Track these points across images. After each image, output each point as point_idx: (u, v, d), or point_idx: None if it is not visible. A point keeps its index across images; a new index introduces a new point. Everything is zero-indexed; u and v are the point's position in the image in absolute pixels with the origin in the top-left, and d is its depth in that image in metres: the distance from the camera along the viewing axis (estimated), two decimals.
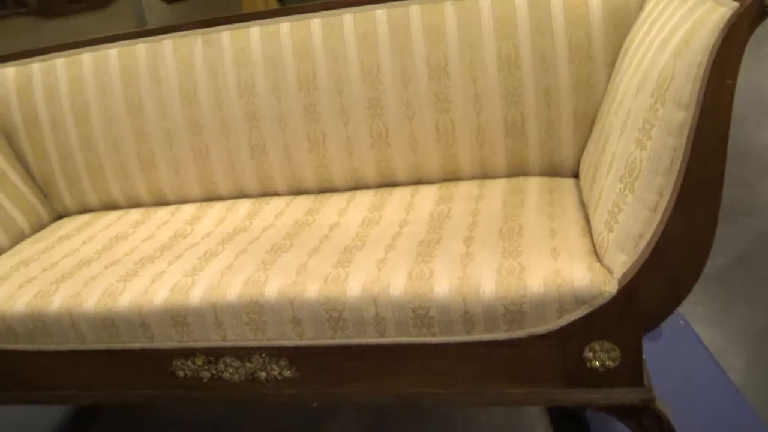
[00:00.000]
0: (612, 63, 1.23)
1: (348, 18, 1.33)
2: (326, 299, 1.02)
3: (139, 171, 1.50)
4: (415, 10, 1.30)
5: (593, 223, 1.04)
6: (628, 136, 0.96)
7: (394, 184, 1.41)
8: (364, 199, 1.36)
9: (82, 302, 1.13)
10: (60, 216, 1.60)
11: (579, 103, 1.26)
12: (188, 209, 1.47)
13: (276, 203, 1.41)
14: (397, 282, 1.00)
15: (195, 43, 1.41)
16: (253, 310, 1.05)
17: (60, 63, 1.49)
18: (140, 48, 1.44)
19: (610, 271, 0.95)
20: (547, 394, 1.01)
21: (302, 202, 1.40)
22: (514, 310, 0.96)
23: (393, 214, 1.26)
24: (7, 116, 1.53)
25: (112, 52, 1.46)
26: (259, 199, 1.45)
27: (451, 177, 1.37)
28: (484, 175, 1.36)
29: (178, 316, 1.08)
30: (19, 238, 1.47)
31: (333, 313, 1.02)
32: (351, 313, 1.02)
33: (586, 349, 0.96)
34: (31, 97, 1.51)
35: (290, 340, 1.06)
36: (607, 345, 0.96)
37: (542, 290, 0.94)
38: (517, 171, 1.34)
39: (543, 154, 1.31)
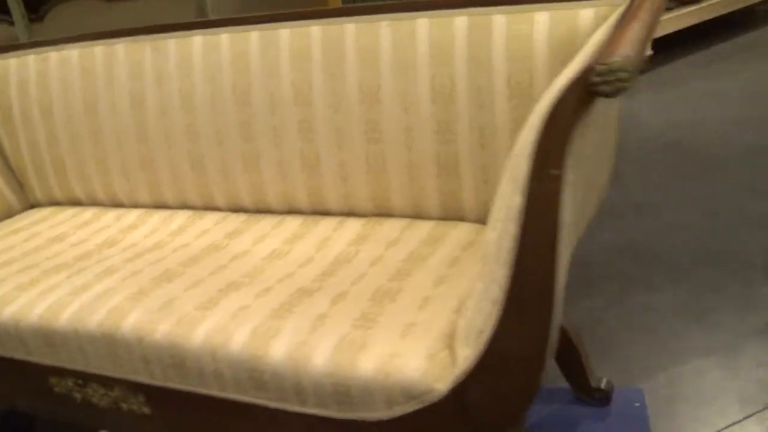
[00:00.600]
0: None
1: (284, 33, 1.24)
2: (171, 344, 0.96)
3: (96, 171, 1.50)
4: (350, 28, 1.18)
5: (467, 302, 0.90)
6: (495, 209, 0.81)
7: (326, 212, 1.31)
8: (290, 226, 1.27)
9: None
10: (33, 206, 1.66)
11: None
12: (132, 215, 1.45)
13: (209, 219, 1.37)
14: (239, 336, 0.92)
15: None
16: (109, 343, 1.01)
17: (33, 59, 1.52)
18: (120, 48, 1.42)
19: (453, 364, 0.81)
20: None
21: (232, 222, 1.34)
22: (342, 391, 0.85)
23: (302, 250, 1.17)
24: None
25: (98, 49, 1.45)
26: (197, 213, 1.40)
27: (383, 212, 1.25)
28: (417, 214, 1.23)
29: (48, 337, 1.07)
30: None
31: (176, 359, 0.96)
32: (192, 363, 0.95)
33: None
34: (11, 87, 1.55)
35: (144, 377, 1.01)
36: None
37: (370, 375, 0.82)
38: (452, 214, 1.20)
39: (478, 199, 1.16)
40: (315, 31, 1.21)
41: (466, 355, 0.79)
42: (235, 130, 1.31)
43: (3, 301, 1.13)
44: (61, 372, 1.10)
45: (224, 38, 1.29)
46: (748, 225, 1.91)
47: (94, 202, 1.56)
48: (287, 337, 0.90)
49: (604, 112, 0.90)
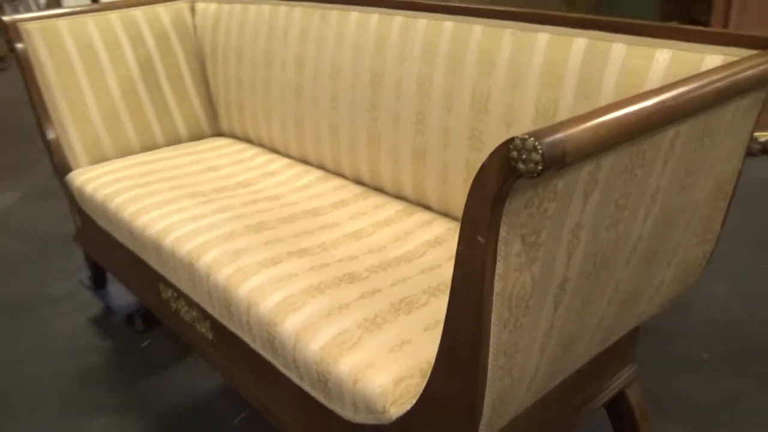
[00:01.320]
0: None
1: (421, 23, 1.25)
2: (225, 288, 1.09)
3: (263, 117, 1.69)
4: (476, 30, 1.15)
5: None
6: None
7: (427, 206, 1.33)
8: (389, 210, 1.32)
9: (129, 209, 1.40)
10: (219, 135, 1.92)
11: None
12: (278, 164, 1.61)
13: (332, 184, 1.47)
14: (271, 300, 1.01)
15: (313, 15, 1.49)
16: (190, 271, 1.18)
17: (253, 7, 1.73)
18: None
19: (414, 394, 0.81)
20: None
21: (348, 192, 1.42)
22: (323, 381, 0.90)
23: (382, 237, 1.22)
24: (204, 44, 1.85)
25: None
26: (327, 175, 1.51)
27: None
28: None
29: (158, 250, 1.28)
30: (175, 141, 1.82)
31: (226, 302, 1.09)
32: (235, 310, 1.07)
33: None
34: (221, 30, 1.79)
35: (209, 308, 1.17)
36: None
37: (344, 376, 0.86)
38: None
39: None
40: (447, 26, 1.21)
41: (417, 383, 0.79)
42: (366, 108, 1.37)
43: (144, 211, 1.37)
44: (165, 281, 1.31)
45: (374, 18, 1.35)
46: None
47: (260, 143, 1.76)
48: (304, 314, 0.97)
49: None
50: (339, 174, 1.52)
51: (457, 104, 1.19)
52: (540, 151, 0.51)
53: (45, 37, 1.63)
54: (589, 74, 1.00)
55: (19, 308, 1.97)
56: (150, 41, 1.76)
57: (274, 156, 1.68)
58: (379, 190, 1.43)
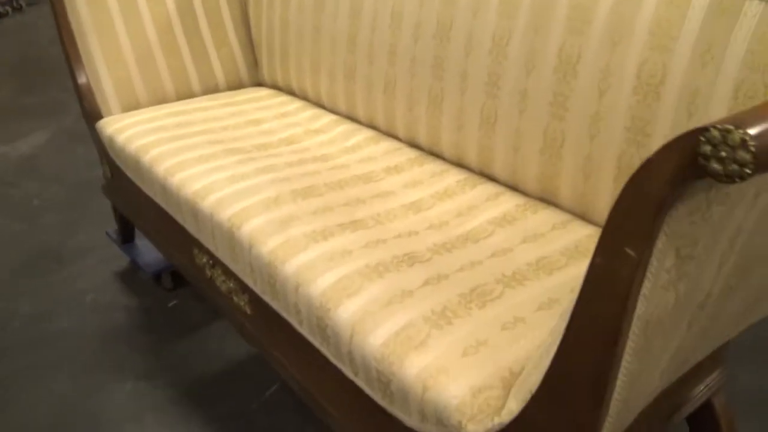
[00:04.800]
0: None
1: None
2: (270, 262, 0.97)
3: (309, 68, 1.54)
4: None
5: None
6: None
7: (491, 177, 1.19)
8: (448, 180, 1.19)
9: (163, 164, 1.28)
10: (260, 84, 1.77)
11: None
12: (324, 120, 1.48)
13: (384, 146, 1.33)
14: (323, 281, 0.90)
15: None
16: (230, 239, 1.07)
17: None
18: None
19: (496, 411, 0.69)
20: None
21: (402, 156, 1.28)
22: (384, 381, 0.78)
23: (442, 211, 1.08)
24: None
25: None
26: (378, 135, 1.37)
27: (548, 197, 1.09)
28: (583, 213, 1.05)
29: (194, 212, 1.16)
30: (212, 90, 1.68)
31: (271, 278, 0.97)
32: (281, 288, 0.96)
33: None
34: None
35: (250, 281, 1.05)
36: None
37: (411, 379, 0.74)
38: None
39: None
40: None
41: (511, 408, 0.67)
42: (429, 63, 1.22)
43: (180, 167, 1.25)
44: (200, 246, 1.20)
45: None
46: None
47: (304, 96, 1.62)
48: (362, 300, 0.85)
49: None
50: (391, 135, 1.38)
51: (539, 65, 1.04)
52: (752, 149, 0.37)
53: None
54: (712, 37, 0.84)
55: (45, 258, 1.89)
56: None
57: (319, 111, 1.54)
58: (436, 155, 1.29)
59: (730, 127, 0.37)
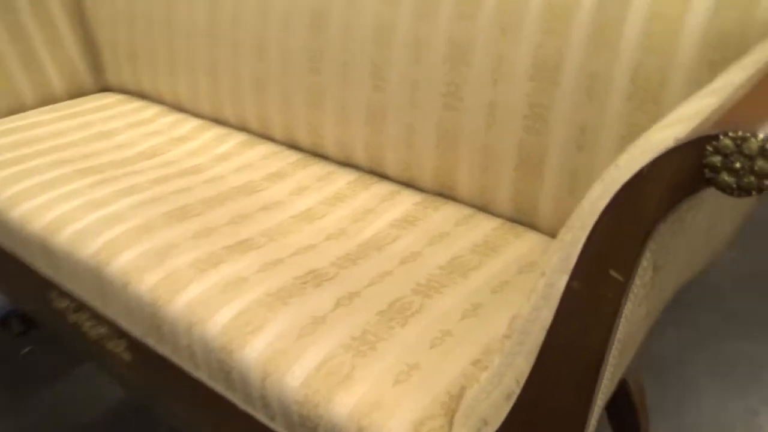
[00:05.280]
0: None
1: None
2: (152, 301, 0.84)
3: (164, 66, 1.38)
4: None
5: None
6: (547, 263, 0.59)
7: (383, 175, 1.12)
8: (338, 182, 1.10)
9: (0, 197, 1.08)
10: (106, 89, 1.57)
11: None
12: (188, 126, 1.33)
13: (260, 150, 1.21)
14: (220, 317, 0.78)
15: None
16: (97, 278, 0.91)
17: None
18: None
19: None
20: None
21: (282, 160, 1.18)
22: (310, 426, 0.69)
23: (338, 218, 1.00)
24: None
25: None
26: (251, 139, 1.25)
27: (445, 191, 1.04)
28: (483, 205, 1.01)
29: (47, 250, 0.98)
30: (49, 100, 1.46)
31: (155, 319, 0.84)
32: (168, 329, 0.83)
33: None
34: None
35: (126, 324, 0.91)
36: None
37: (342, 420, 0.66)
38: (523, 217, 0.97)
39: (557, 208, 0.93)
40: None
41: None
42: (304, 57, 1.12)
43: (20, 196, 1.06)
44: (58, 289, 1.02)
45: None
46: None
47: (160, 100, 1.45)
48: (270, 336, 0.75)
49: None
50: (267, 137, 1.27)
51: (427, 54, 0.98)
52: None
53: None
54: (605, 19, 0.82)
55: None
56: None
57: (181, 116, 1.38)
58: (321, 156, 1.19)
59: (747, 134, 0.32)
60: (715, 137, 0.33)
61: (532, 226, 0.97)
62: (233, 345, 0.75)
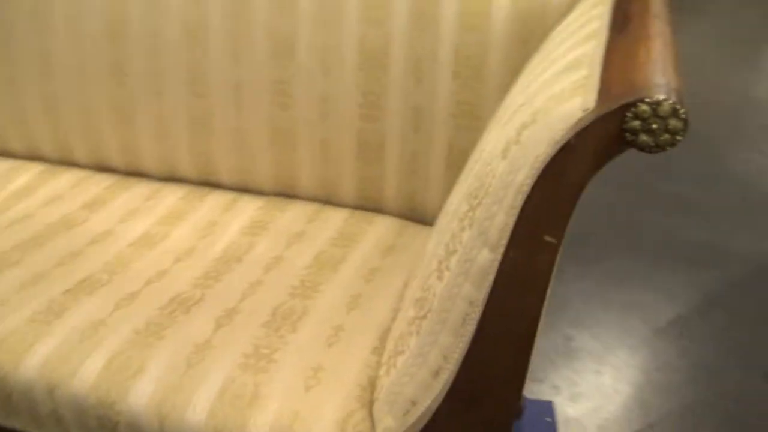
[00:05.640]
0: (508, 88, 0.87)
1: None
2: None
3: None
4: None
5: (389, 341, 0.72)
6: (436, 244, 0.62)
7: (216, 184, 1.07)
8: (169, 199, 1.03)
9: None
10: None
11: (458, 134, 0.91)
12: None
13: (65, 179, 1.08)
14: (88, 370, 0.70)
15: None
16: None
17: None
18: None
19: (369, 428, 0.64)
20: None
21: (94, 186, 1.06)
22: None
23: (181, 236, 0.94)
24: None
25: None
26: (50, 168, 1.11)
27: (286, 191, 1.03)
28: (327, 198, 1.02)
29: None
30: None
31: (3, 392, 0.72)
32: (22, 399, 0.72)
33: None
34: None
35: None
36: None
37: None
38: (370, 203, 1.00)
39: (401, 190, 0.97)
40: None
41: (389, 425, 0.62)
42: (104, 69, 1.02)
43: None
44: None
45: None
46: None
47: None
48: (155, 375, 0.69)
49: None
50: (70, 163, 1.13)
51: (249, 53, 0.95)
52: (683, 116, 0.37)
53: None
54: (423, 4, 0.87)
55: None
56: None
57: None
58: (138, 175, 1.10)
59: (661, 98, 0.37)
60: (633, 104, 0.38)
61: (379, 210, 1.00)
62: (113, 395, 0.68)
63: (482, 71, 0.87)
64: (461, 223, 0.55)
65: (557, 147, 0.41)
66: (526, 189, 0.45)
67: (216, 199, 1.03)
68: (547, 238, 0.43)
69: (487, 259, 0.50)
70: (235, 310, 0.78)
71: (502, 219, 0.48)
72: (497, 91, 0.87)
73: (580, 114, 0.42)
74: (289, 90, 0.95)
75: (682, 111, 0.37)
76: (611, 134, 0.39)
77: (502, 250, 0.48)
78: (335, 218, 0.98)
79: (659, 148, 0.38)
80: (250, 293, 0.81)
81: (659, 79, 0.40)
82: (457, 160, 0.92)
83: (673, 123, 0.38)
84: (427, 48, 0.88)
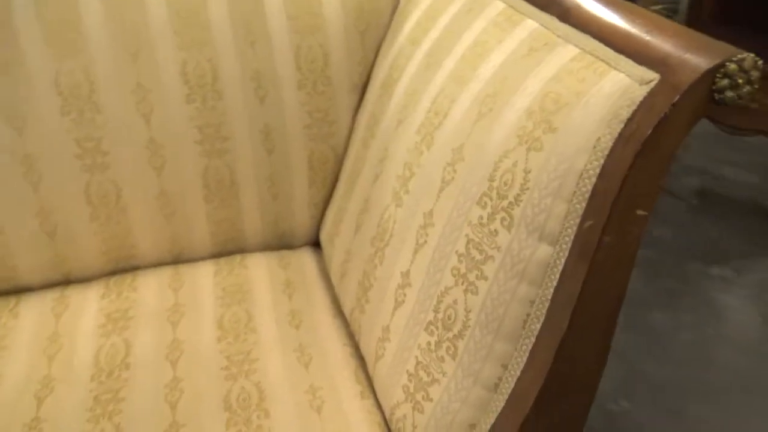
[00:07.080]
0: (359, 88, 0.83)
1: None
2: None
3: None
4: None
5: (378, 381, 0.66)
6: (439, 258, 0.58)
7: (20, 289, 0.83)
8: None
9: None
10: None
11: (315, 145, 0.85)
12: None
13: None
14: None
15: None
16: None
17: None
18: None
19: None
20: None
21: None
22: None
23: (21, 360, 0.71)
24: None
25: None
26: None
27: (122, 266, 0.85)
28: (176, 257, 0.87)
29: None
30: None
31: None
32: None
33: None
34: None
35: None
36: None
37: None
38: (231, 246, 0.88)
39: (265, 220, 0.87)
40: None
41: None
42: None
43: None
44: None
45: None
46: None
47: None
48: None
49: None
50: None
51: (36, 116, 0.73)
52: (760, 65, 0.40)
53: None
54: (243, 10, 0.77)
55: None
56: None
57: None
58: None
59: (744, 54, 0.40)
60: (722, 65, 0.40)
61: (243, 249, 0.89)
62: None
63: (327, 73, 0.82)
64: (484, 228, 0.52)
65: (654, 125, 0.41)
66: (593, 173, 0.45)
67: (30, 308, 0.79)
68: (640, 212, 0.44)
69: (548, 253, 0.49)
70: (174, 424, 0.62)
71: (563, 208, 0.47)
72: (348, 90, 0.83)
73: (637, 87, 0.43)
74: (101, 147, 0.77)
75: (759, 61, 0.41)
76: (702, 97, 0.41)
77: (568, 240, 0.47)
78: (202, 275, 0.84)
79: (743, 99, 0.42)
80: (177, 396, 0.66)
81: (712, 39, 0.43)
82: (319, 173, 0.86)
83: (755, 74, 0.41)
84: (262, 62, 0.79)
